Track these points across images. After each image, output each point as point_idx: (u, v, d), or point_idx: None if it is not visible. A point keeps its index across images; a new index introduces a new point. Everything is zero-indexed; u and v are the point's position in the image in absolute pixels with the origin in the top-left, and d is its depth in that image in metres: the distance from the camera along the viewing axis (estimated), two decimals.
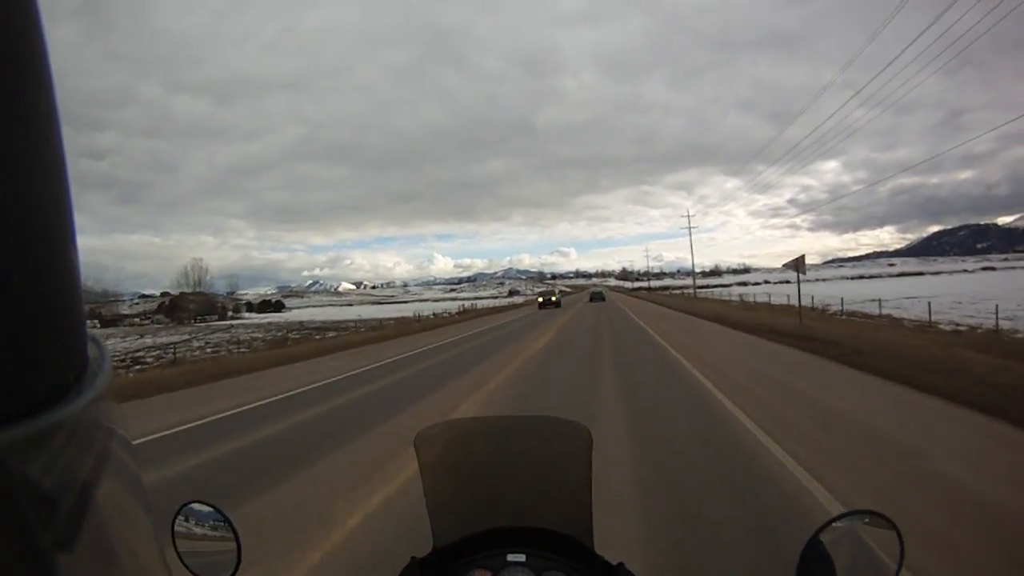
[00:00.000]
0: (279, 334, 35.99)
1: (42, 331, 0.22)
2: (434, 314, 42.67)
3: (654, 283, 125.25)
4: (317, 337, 27.60)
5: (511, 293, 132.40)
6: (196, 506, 0.96)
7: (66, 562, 0.21)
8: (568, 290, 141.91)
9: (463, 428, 1.28)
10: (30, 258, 0.21)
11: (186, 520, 0.95)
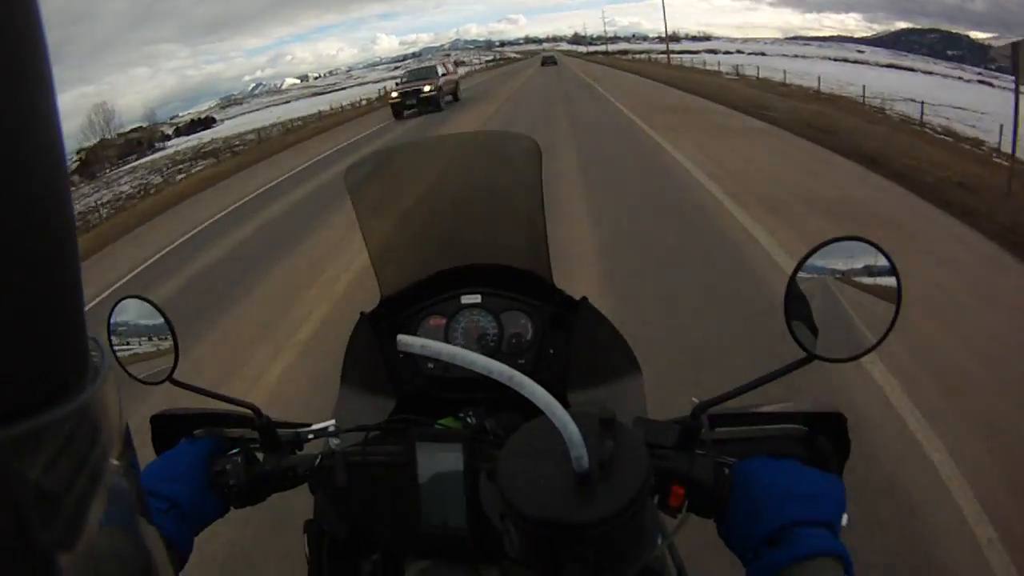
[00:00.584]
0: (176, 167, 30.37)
1: (42, 330, 0.21)
2: (359, 102, 37.40)
3: (610, 47, 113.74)
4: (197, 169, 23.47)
5: (456, 64, 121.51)
6: (131, 302, 0.85)
7: (66, 562, 0.21)
8: (518, 56, 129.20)
9: (396, 156, 1.15)
10: (30, 258, 0.21)
11: (122, 317, 0.85)
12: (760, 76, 26.59)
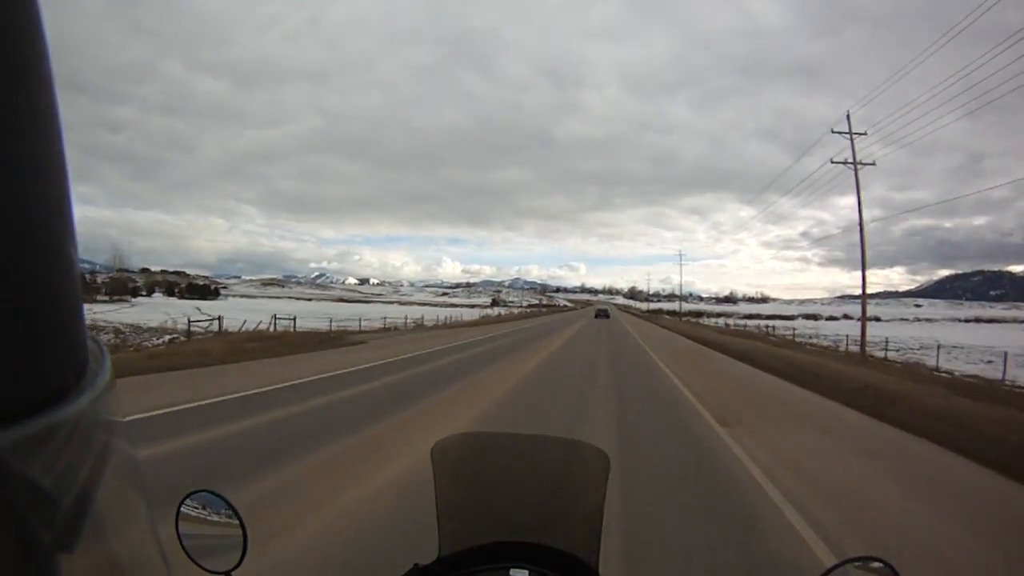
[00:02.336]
0: None
1: (42, 331, 0.21)
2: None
3: (665, 306, 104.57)
4: None
5: (494, 303, 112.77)
6: (202, 496, 0.95)
7: (66, 562, 0.21)
8: (569, 305, 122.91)
9: (481, 442, 1.32)
10: (30, 258, 0.21)
11: (192, 509, 0.94)
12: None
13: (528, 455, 1.25)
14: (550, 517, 1.13)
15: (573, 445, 1.23)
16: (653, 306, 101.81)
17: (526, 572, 1.02)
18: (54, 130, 0.22)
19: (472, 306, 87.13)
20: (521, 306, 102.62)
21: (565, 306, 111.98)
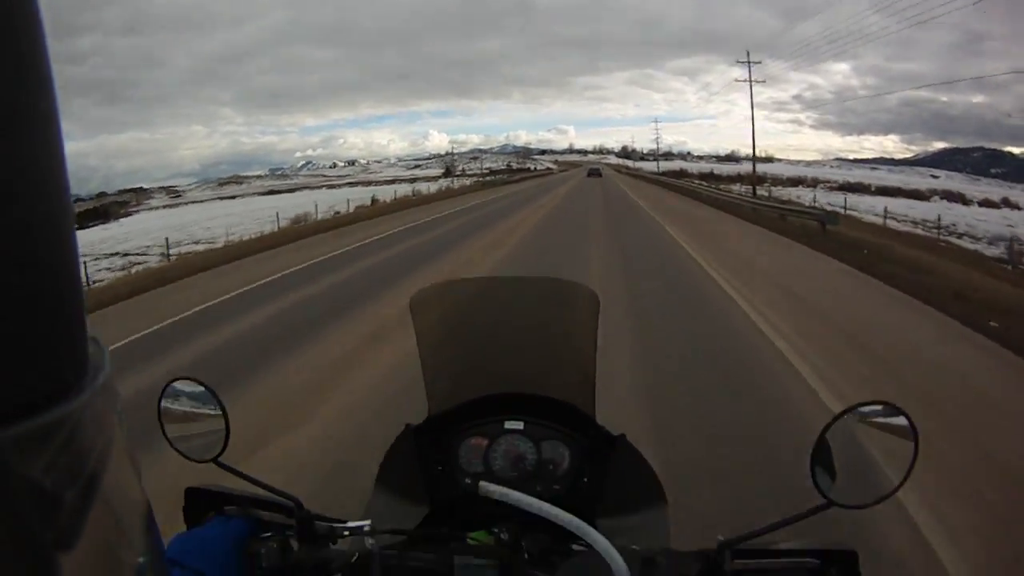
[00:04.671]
0: None
1: (42, 330, 0.21)
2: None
3: (663, 164, 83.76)
4: None
5: (447, 173, 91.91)
6: (182, 384, 0.91)
7: (67, 562, 0.20)
8: (552, 168, 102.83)
9: (462, 289, 1.27)
10: (30, 258, 0.21)
11: (174, 397, 0.91)
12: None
13: (514, 300, 1.20)
14: (541, 364, 1.10)
15: (560, 285, 1.18)
16: (665, 166, 80.00)
17: (521, 423, 1.00)
18: (54, 130, 0.22)
19: (434, 179, 73.22)
20: (481, 173, 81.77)
21: (548, 169, 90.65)
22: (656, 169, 68.97)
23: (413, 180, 79.99)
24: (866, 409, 0.79)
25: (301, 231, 17.21)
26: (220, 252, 14.39)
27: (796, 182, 51.68)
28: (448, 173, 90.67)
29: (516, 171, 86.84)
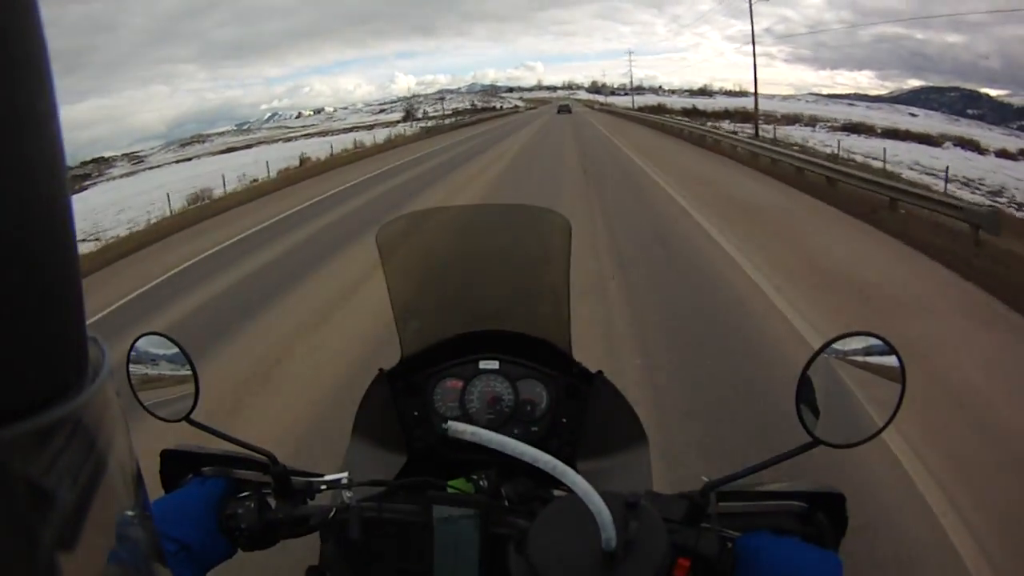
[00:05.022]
0: None
1: (42, 330, 0.21)
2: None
3: (636, 99, 77.18)
4: None
5: (407, 117, 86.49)
6: (150, 339, 0.88)
7: (66, 562, 0.20)
8: (520, 106, 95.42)
9: (430, 220, 1.21)
10: (30, 258, 0.21)
11: (143, 354, 0.88)
12: None
13: (483, 229, 1.16)
14: (513, 299, 1.08)
15: (529, 213, 1.14)
16: (652, 102, 72.74)
17: (496, 363, 0.98)
18: (54, 130, 0.22)
19: (393, 123, 69.35)
20: (441, 115, 75.17)
21: (515, 108, 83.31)
22: (631, 104, 62.64)
23: (371, 127, 75.21)
24: (848, 341, 0.75)
25: (178, 222, 13.70)
26: None
27: (792, 120, 45.94)
28: (408, 117, 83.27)
29: (479, 111, 79.35)
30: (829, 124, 45.28)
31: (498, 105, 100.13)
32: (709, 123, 34.50)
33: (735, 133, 21.66)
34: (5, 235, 0.19)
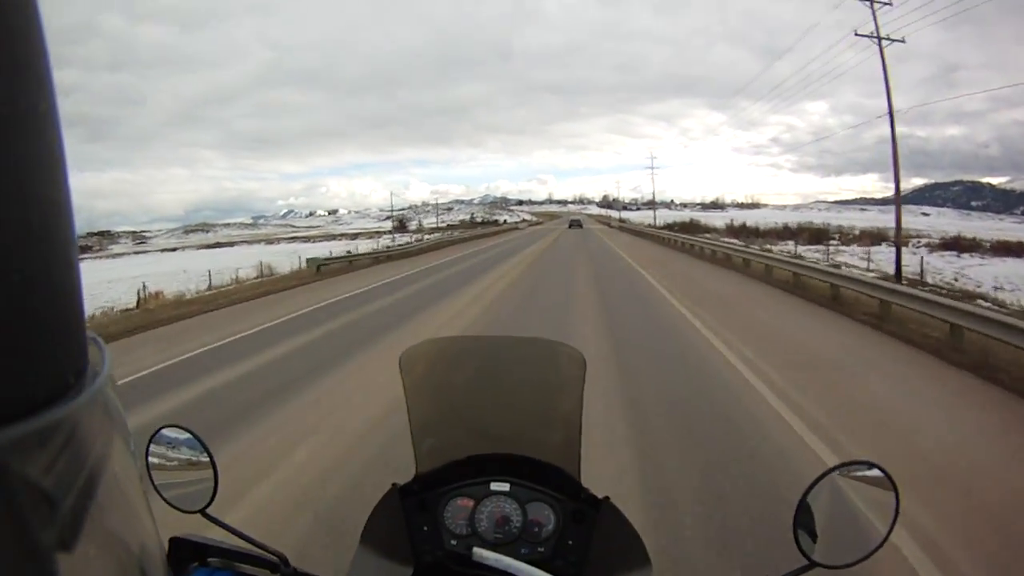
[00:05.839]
0: None
1: (42, 331, 0.21)
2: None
3: (647, 212, 68.55)
4: None
5: (401, 225, 78.80)
6: (170, 432, 0.91)
7: (66, 562, 0.20)
8: (528, 220, 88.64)
9: (451, 347, 1.26)
10: (30, 258, 0.21)
11: (163, 446, 0.90)
12: None
13: (501, 359, 1.20)
14: (527, 425, 1.11)
15: (547, 346, 1.18)
16: (670, 217, 64.67)
17: (507, 485, 1.01)
18: (54, 130, 0.22)
19: (381, 234, 61.78)
20: (435, 229, 67.52)
21: (518, 225, 75.17)
22: (653, 220, 53.46)
23: (355, 236, 66.15)
24: (846, 470, 0.80)
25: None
26: None
27: (878, 238, 36.00)
28: (401, 228, 76.53)
29: (477, 225, 72.04)
30: (926, 241, 35.33)
31: (504, 218, 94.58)
32: (766, 246, 25.10)
33: (837, 265, 15.81)
34: (5, 235, 0.19)
